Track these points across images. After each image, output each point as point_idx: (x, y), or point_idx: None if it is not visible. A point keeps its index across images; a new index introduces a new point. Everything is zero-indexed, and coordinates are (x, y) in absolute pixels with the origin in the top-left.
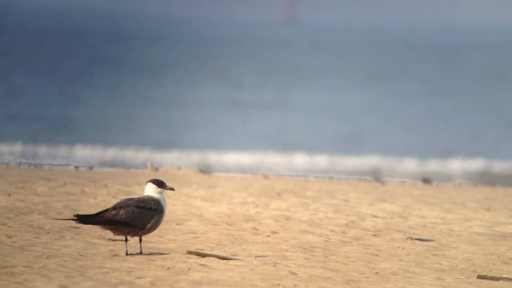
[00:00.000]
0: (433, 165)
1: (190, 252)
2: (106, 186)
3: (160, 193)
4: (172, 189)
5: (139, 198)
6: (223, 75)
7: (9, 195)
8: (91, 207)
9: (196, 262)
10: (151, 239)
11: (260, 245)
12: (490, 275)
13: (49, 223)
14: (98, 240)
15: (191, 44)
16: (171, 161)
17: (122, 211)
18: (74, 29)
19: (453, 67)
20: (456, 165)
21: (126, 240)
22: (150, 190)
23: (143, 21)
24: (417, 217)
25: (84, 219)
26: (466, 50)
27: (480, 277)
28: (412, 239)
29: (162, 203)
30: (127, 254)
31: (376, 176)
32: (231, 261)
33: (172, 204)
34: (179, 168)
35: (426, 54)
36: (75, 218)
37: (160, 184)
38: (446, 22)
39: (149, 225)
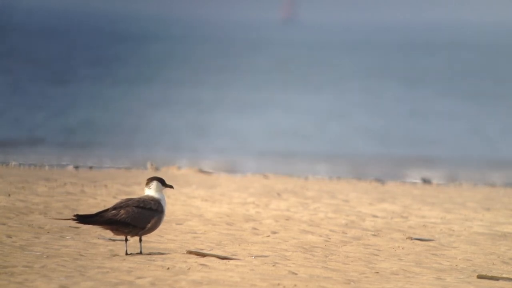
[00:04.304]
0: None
1: (190, 252)
2: (106, 186)
3: (162, 191)
4: (171, 187)
5: (139, 198)
6: (222, 75)
7: (9, 195)
8: (91, 207)
9: (196, 262)
10: (151, 239)
11: (260, 245)
12: (490, 275)
13: (49, 223)
14: (98, 240)
15: (191, 44)
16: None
17: (122, 211)
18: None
19: (451, 66)
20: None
21: (126, 240)
22: (156, 188)
23: (141, 21)
24: (417, 217)
25: (84, 219)
26: (465, 49)
27: (480, 277)
28: (412, 239)
29: (162, 203)
30: (127, 254)
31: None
32: (231, 261)
33: (172, 204)
34: (179, 168)
35: (424, 54)
36: (75, 218)
37: (163, 182)
38: (446, 22)
39: (149, 225)
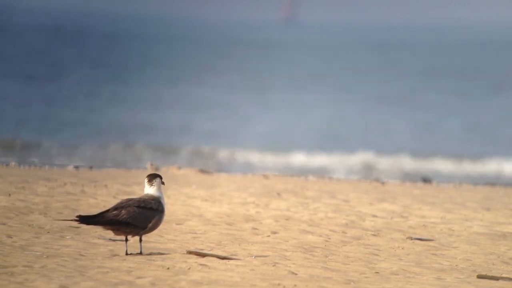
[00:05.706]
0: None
1: (190, 252)
2: (106, 186)
3: (161, 188)
4: (163, 183)
5: (139, 198)
6: (220, 75)
7: (9, 195)
8: (91, 207)
9: (196, 262)
10: (151, 239)
11: (260, 245)
12: (490, 275)
13: (49, 223)
14: (98, 240)
15: (191, 44)
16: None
17: (123, 211)
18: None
19: (449, 66)
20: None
21: (126, 240)
22: (158, 186)
23: (141, 21)
24: (417, 217)
25: (85, 219)
26: (464, 49)
27: (480, 277)
28: (412, 239)
29: (163, 201)
30: (127, 254)
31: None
32: (231, 261)
33: (172, 204)
34: (179, 168)
35: (423, 53)
36: (77, 219)
37: (162, 179)
38: (446, 22)
39: (150, 225)
